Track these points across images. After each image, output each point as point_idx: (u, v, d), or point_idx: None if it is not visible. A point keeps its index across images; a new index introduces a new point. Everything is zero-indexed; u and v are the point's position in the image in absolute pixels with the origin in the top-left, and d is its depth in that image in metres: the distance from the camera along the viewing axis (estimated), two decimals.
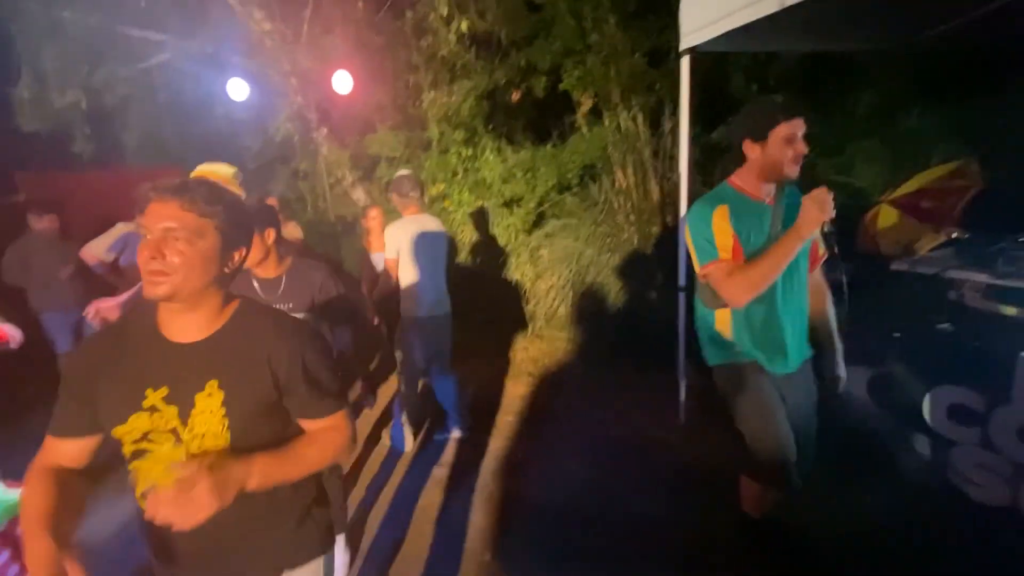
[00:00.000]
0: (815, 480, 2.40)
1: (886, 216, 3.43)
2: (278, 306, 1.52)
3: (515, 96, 5.44)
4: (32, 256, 3.95)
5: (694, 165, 3.97)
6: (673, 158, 4.39)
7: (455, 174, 5.62)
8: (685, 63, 2.83)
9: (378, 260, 3.68)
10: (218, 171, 2.07)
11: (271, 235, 1.85)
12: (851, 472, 2.46)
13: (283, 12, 5.64)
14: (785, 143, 1.57)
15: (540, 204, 5.21)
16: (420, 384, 3.21)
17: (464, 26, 5.03)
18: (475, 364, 4.39)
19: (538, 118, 5.84)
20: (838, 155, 4.22)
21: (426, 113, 5.46)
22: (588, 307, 4.45)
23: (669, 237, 4.04)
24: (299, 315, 1.73)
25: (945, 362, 2.26)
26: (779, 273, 1.57)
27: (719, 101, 4.46)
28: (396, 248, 2.87)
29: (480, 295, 5.49)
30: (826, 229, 1.60)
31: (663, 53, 4.68)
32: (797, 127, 1.56)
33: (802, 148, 1.57)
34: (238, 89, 5.46)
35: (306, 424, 1.15)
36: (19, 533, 2.25)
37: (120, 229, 3.71)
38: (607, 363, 4.12)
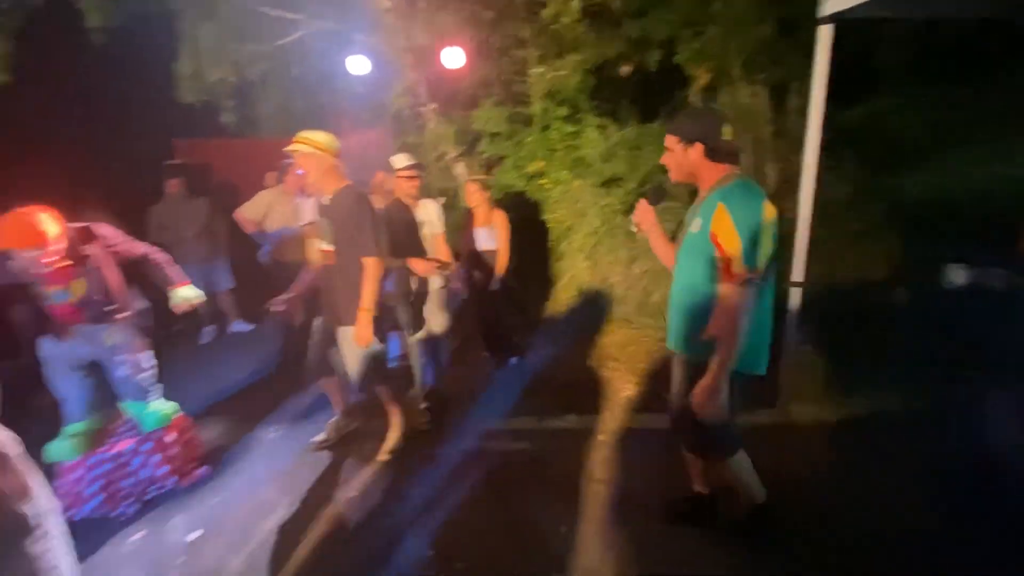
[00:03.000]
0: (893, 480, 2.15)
1: None
2: None
3: (625, 70, 5.19)
4: (165, 216, 4.54)
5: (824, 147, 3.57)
6: (797, 139, 3.97)
7: (554, 151, 5.56)
8: (824, 32, 2.54)
9: (479, 235, 3.79)
10: (315, 138, 2.44)
11: None
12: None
13: None
14: None
15: (642, 184, 5.01)
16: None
17: None
18: (558, 347, 4.39)
19: (646, 95, 5.55)
20: (1000, 140, 3.57)
21: (531, 88, 5.41)
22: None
23: (786, 226, 3.69)
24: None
25: None
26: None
27: (858, 76, 3.95)
28: None
29: (569, 277, 5.44)
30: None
31: (794, 23, 4.21)
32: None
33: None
34: (358, 65, 5.80)
35: None
36: (168, 440, 2.66)
37: (263, 197, 4.13)
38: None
